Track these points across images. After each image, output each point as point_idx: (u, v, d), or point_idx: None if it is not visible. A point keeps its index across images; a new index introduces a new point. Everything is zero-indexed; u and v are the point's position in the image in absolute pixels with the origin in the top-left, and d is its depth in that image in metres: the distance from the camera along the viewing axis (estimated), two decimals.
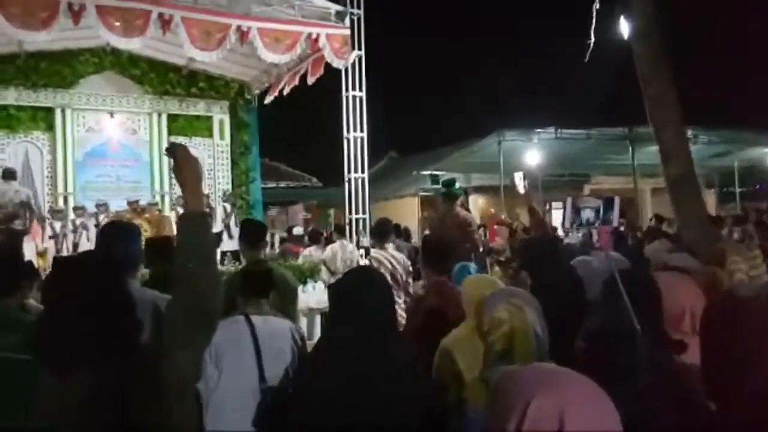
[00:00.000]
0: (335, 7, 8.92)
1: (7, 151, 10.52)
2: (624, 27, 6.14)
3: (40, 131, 10.82)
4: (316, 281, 7.57)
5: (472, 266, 4.04)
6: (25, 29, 6.78)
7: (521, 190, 4.56)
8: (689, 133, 9.73)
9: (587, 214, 2.70)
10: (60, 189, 10.81)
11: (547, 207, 19.71)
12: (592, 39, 8.22)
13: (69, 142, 10.90)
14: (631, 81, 6.10)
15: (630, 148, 14.40)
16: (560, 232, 9.24)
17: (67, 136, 10.89)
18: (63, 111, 10.84)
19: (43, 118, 10.81)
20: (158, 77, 11.59)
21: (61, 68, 10.76)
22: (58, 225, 9.76)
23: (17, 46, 9.72)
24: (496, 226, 10.16)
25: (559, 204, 21.21)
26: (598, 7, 6.72)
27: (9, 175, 8.97)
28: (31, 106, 10.67)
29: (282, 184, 20.35)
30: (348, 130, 9.35)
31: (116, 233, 2.87)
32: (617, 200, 2.74)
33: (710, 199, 18.24)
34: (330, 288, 2.29)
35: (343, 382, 1.63)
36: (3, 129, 10.47)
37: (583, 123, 14.40)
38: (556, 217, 18.96)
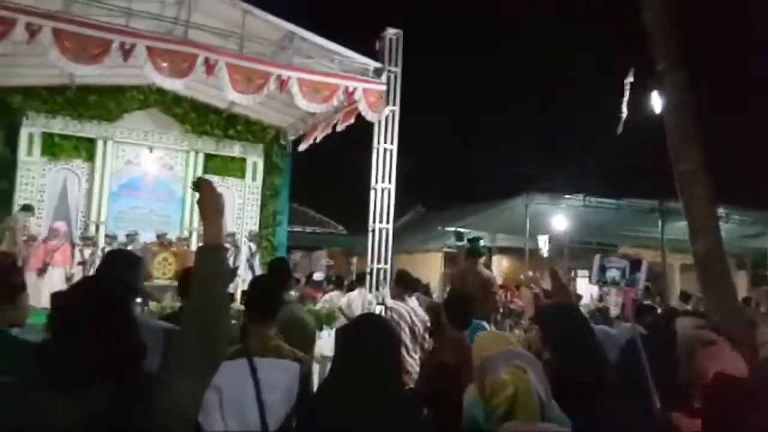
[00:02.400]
0: (374, 64, 9.21)
1: (48, 177, 10.91)
2: (656, 100, 6.18)
3: (80, 160, 11.22)
4: (332, 328, 7.51)
5: (486, 326, 4.00)
6: (77, 63, 7.14)
7: (545, 254, 4.55)
8: (721, 211, 9.60)
9: (613, 274, 2.68)
10: (93, 217, 11.10)
11: (573, 274, 19.42)
12: (624, 112, 8.27)
13: (107, 173, 11.27)
14: (664, 153, 6.09)
15: (660, 222, 14.22)
16: (590, 296, 9.06)
17: (106, 166, 11.27)
18: (105, 142, 11.26)
19: (86, 148, 11.23)
20: (199, 118, 12.02)
21: (108, 102, 11.24)
22: (87, 252, 9.97)
23: (68, 79, 10.21)
24: (518, 289, 10.03)
25: (585, 272, 20.92)
26: (631, 80, 6.78)
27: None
28: (75, 136, 11.10)
29: (308, 229, 20.54)
30: (376, 181, 9.47)
31: (115, 260, 2.91)
32: (645, 263, 2.72)
33: (741, 281, 17.75)
34: (338, 331, 2.27)
35: (345, 425, 1.60)
36: (46, 155, 10.89)
37: (612, 192, 14.31)
38: (581, 285, 18.64)
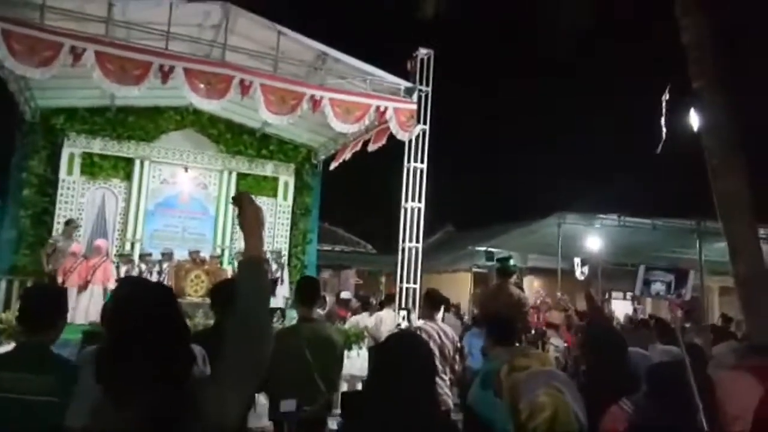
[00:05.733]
0: (405, 84, 9.28)
1: (87, 195, 11.21)
2: (693, 119, 6.06)
3: (118, 179, 11.50)
4: (360, 348, 7.48)
5: None
6: (118, 84, 7.37)
7: (579, 276, 4.50)
8: (762, 232, 9.30)
9: (657, 288, 2.64)
10: (129, 235, 11.33)
11: (607, 296, 18.99)
12: (664, 131, 8.11)
13: (143, 192, 11.53)
14: (702, 172, 5.95)
15: (698, 243, 13.83)
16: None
17: (143, 185, 11.53)
18: (142, 162, 11.54)
19: (123, 168, 11.51)
20: (233, 138, 12.27)
21: (146, 123, 11.56)
22: (123, 269, 10.15)
23: (109, 100, 10.54)
24: (550, 310, 9.86)
25: (620, 294, 20.43)
26: (667, 97, 6.68)
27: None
28: (113, 156, 11.41)
29: (337, 248, 20.62)
30: (406, 200, 9.47)
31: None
32: (692, 274, 2.67)
33: None
34: (372, 349, 2.27)
35: None
36: (85, 175, 11.19)
37: (648, 212, 13.97)
38: (617, 307, 18.21)
